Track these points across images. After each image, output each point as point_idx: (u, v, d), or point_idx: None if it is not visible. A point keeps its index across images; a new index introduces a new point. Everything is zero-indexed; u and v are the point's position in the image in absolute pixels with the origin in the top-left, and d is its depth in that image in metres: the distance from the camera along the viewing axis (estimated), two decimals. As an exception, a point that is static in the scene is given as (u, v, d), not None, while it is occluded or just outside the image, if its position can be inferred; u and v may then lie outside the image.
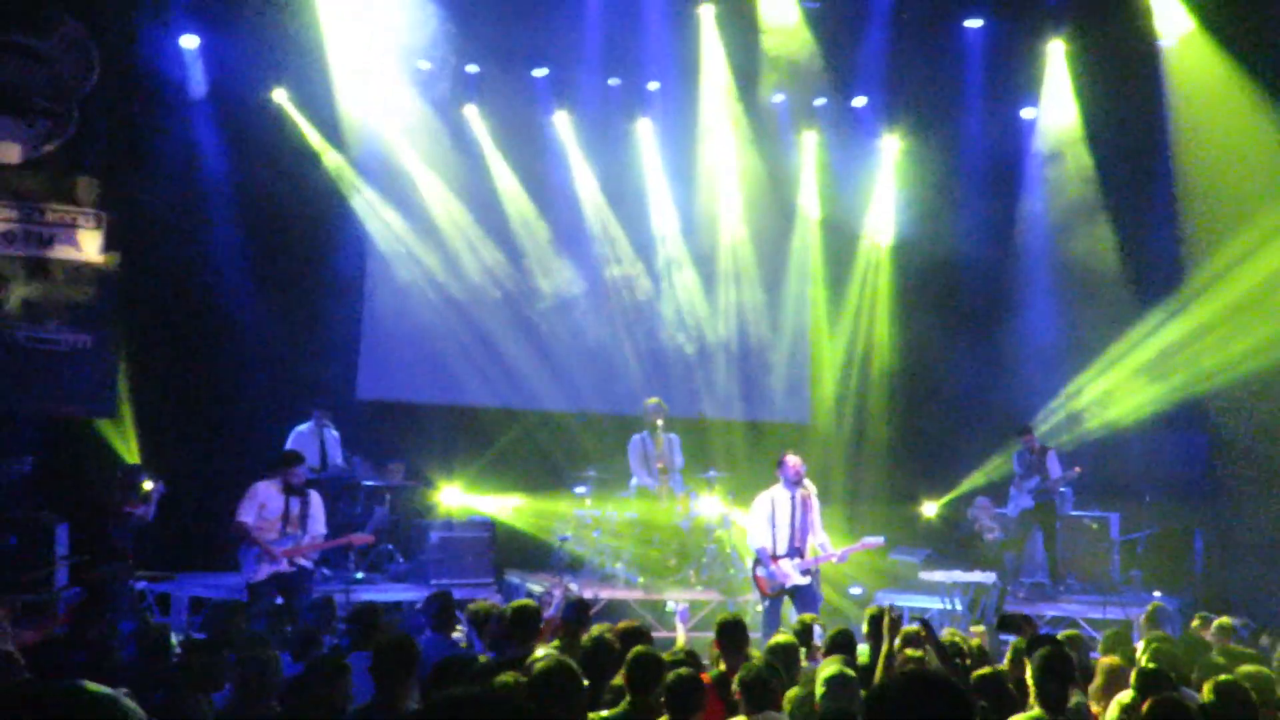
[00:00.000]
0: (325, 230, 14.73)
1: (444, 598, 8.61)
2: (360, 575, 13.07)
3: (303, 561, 10.94)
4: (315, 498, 11.16)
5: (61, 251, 11.86)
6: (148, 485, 11.88)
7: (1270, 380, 14.20)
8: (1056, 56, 15.15)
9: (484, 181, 15.50)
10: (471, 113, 15.33)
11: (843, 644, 7.40)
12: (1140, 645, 7.93)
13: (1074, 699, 6.28)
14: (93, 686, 2.46)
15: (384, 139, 15.03)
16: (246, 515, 10.66)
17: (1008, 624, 8.01)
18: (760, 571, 10.98)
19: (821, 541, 10.94)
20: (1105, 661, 7.46)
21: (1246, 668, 6.60)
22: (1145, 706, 5.48)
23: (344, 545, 11.61)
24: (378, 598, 11.81)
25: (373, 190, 15.07)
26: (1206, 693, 5.85)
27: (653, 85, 15.53)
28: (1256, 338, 14.00)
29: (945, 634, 8.32)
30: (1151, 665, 6.71)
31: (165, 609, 12.02)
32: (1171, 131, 15.01)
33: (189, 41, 13.60)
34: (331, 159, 14.72)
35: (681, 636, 8.97)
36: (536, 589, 12.71)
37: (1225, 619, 9.66)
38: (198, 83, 13.71)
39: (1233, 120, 14.29)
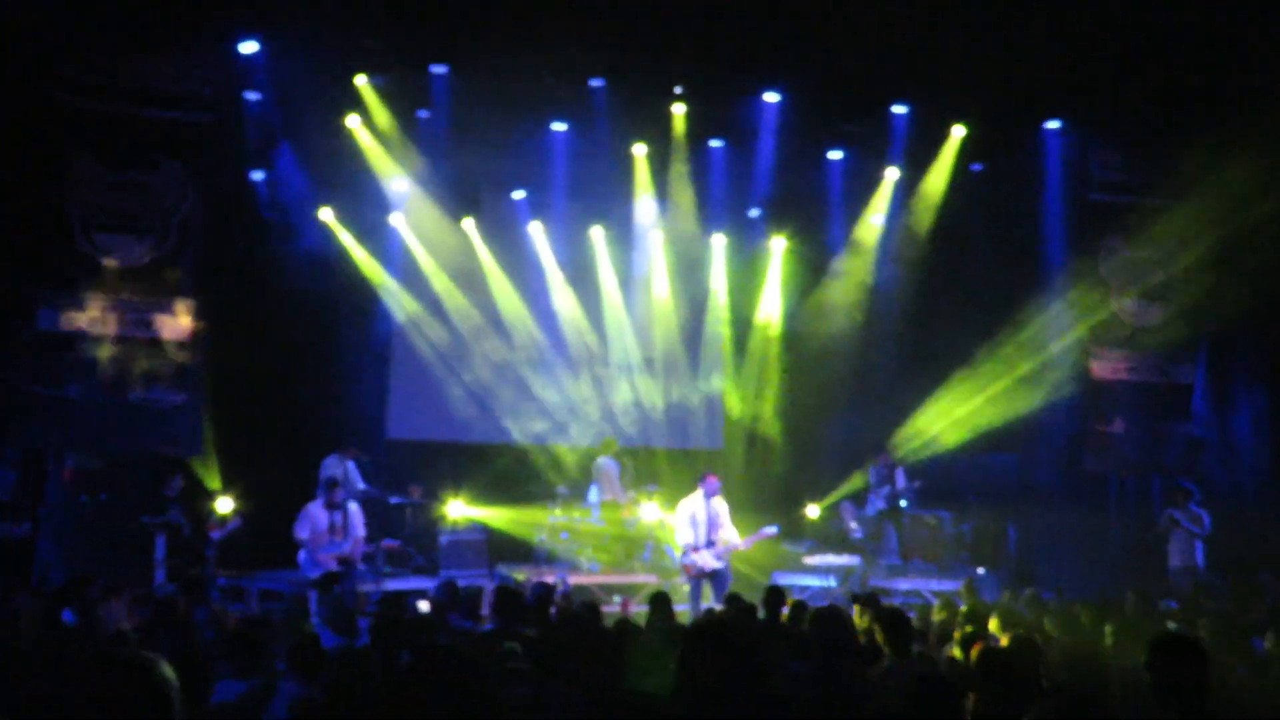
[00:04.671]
0: (361, 311, 14.74)
1: (451, 585, 8.63)
2: (388, 570, 12.96)
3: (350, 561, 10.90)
4: (354, 509, 11.22)
5: (164, 333, 11.82)
6: (224, 509, 11.86)
7: (1054, 416, 14.77)
8: (891, 179, 15.40)
9: (478, 274, 15.56)
10: (469, 224, 15.36)
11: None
12: (962, 608, 8.01)
13: (915, 650, 6.29)
14: (135, 654, 2.50)
15: (404, 243, 15.06)
16: (301, 531, 10.78)
17: (859, 599, 8.07)
18: (686, 560, 11.16)
19: (730, 535, 11.17)
20: (935, 619, 7.66)
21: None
22: (974, 652, 5.53)
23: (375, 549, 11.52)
24: (402, 586, 11.83)
25: (396, 280, 15.07)
26: (1007, 641, 5.94)
27: (601, 203, 15.63)
28: (1044, 386, 14.62)
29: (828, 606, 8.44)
30: (969, 628, 6.79)
31: (242, 599, 11.92)
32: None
33: (258, 174, 13.61)
34: (364, 259, 14.71)
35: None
36: (520, 576, 12.77)
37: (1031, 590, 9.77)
38: (265, 204, 13.72)
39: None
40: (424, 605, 7.62)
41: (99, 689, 2.45)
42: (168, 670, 2.52)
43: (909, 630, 5.98)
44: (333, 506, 11.01)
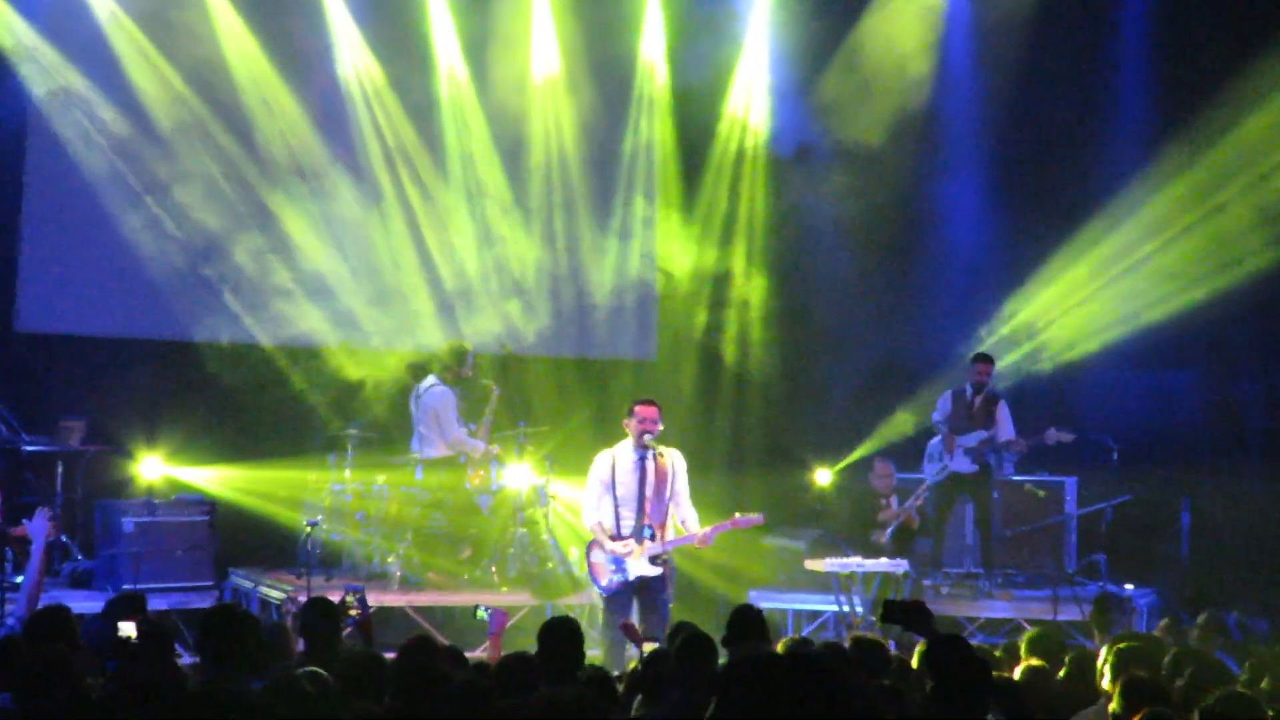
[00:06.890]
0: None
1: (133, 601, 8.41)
2: (20, 579, 11.92)
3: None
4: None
5: None
6: None
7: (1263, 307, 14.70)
8: None
9: (196, 22, 14.72)
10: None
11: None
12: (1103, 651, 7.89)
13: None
14: None
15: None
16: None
17: (892, 615, 7.30)
18: (596, 556, 10.95)
19: (685, 518, 10.86)
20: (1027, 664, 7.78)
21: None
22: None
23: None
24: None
25: (38, 32, 14.19)
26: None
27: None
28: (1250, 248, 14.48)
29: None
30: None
31: None
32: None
33: None
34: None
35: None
36: (275, 594, 12.62)
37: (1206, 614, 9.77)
38: None
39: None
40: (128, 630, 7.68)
41: None
42: None
43: (986, 685, 5.85)
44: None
